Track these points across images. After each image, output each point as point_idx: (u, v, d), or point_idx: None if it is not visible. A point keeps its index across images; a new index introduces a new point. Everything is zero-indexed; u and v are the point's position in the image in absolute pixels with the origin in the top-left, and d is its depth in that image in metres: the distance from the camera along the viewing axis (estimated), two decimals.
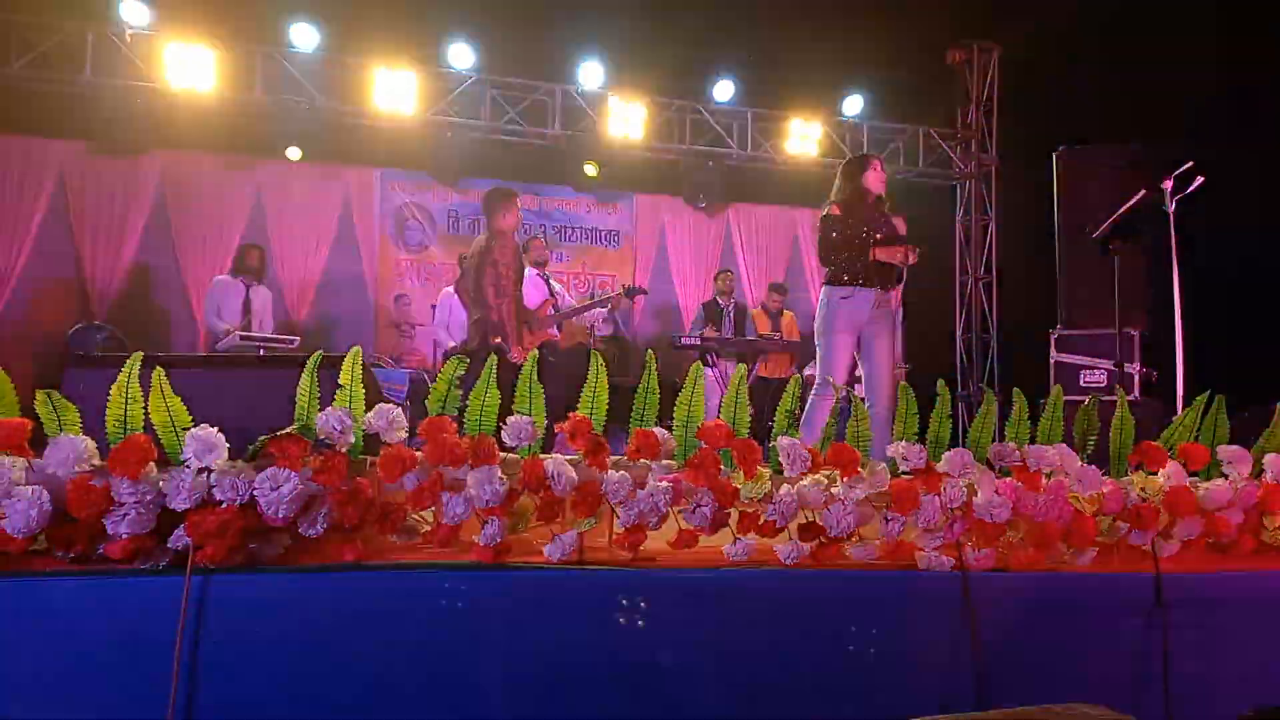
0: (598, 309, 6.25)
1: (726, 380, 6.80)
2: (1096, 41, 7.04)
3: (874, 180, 3.89)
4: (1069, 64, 7.30)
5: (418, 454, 1.94)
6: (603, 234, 8.13)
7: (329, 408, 1.90)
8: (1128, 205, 4.85)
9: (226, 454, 1.83)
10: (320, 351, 1.97)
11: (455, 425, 1.97)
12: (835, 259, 3.87)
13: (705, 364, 6.97)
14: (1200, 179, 4.41)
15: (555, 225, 8.00)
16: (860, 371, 3.92)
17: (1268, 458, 2.49)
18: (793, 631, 2.05)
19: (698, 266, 8.28)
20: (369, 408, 1.94)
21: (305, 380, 1.90)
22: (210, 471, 1.82)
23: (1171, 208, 4.27)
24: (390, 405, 1.93)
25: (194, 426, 1.85)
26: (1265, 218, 6.46)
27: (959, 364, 8.50)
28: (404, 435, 1.93)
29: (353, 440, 1.91)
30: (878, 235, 3.85)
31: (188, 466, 1.82)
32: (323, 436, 1.88)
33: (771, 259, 8.44)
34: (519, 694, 1.91)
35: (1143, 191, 4.39)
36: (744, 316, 7.12)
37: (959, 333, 8.52)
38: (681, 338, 6.61)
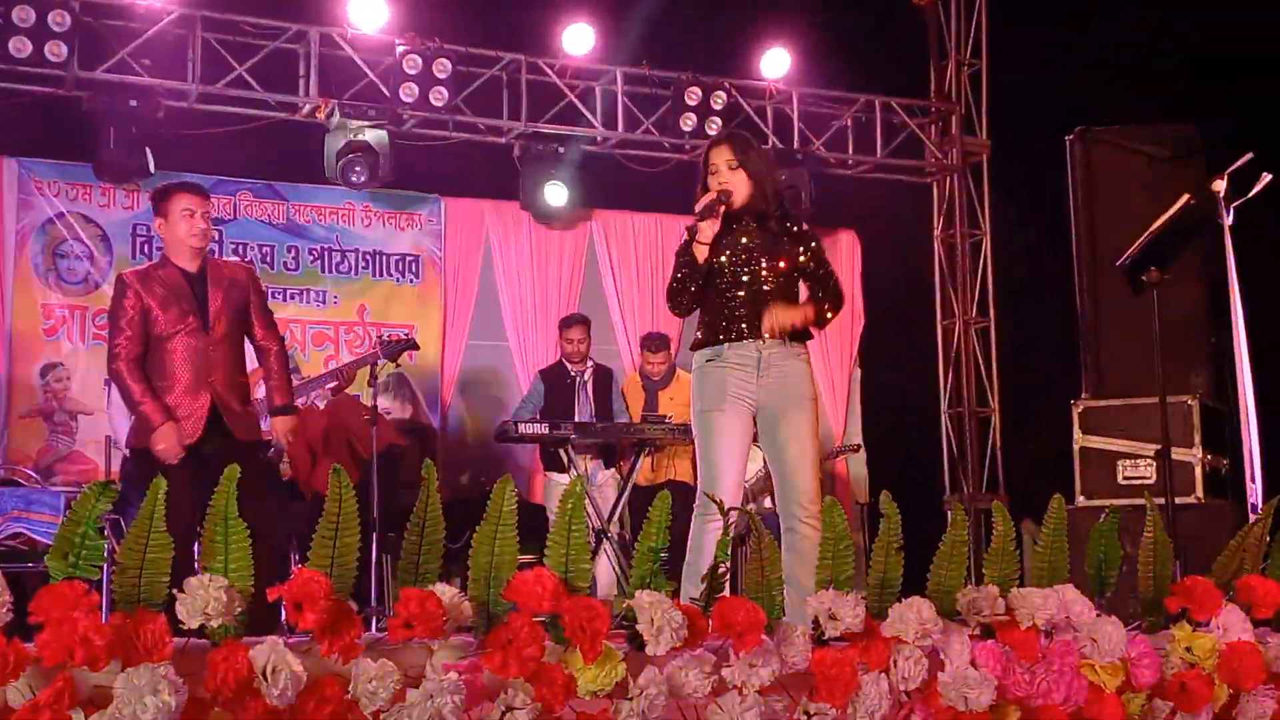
0: (327, 382, 6.05)
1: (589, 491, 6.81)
2: None
3: (722, 170, 3.89)
4: (1091, 7, 7.74)
5: (30, 648, 1.86)
6: (392, 260, 8.10)
7: None
8: (1165, 217, 5.11)
9: None
10: None
11: (96, 596, 1.91)
12: (681, 303, 3.90)
13: (552, 467, 7.00)
14: (1267, 177, 4.73)
15: (314, 245, 7.93)
16: (771, 471, 3.91)
17: None
18: None
19: (545, 308, 8.29)
20: None
21: None
22: None
23: (1228, 219, 4.56)
24: None
25: None
26: None
27: (945, 452, 8.72)
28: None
29: None
30: (759, 263, 3.85)
31: None
32: None
33: (660, 294, 8.54)
34: None
35: (1185, 197, 4.63)
36: (609, 388, 7.15)
37: (944, 405, 8.77)
38: (516, 424, 6.60)
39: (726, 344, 3.81)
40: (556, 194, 7.95)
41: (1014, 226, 8.67)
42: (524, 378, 8.06)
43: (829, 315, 3.93)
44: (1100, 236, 6.87)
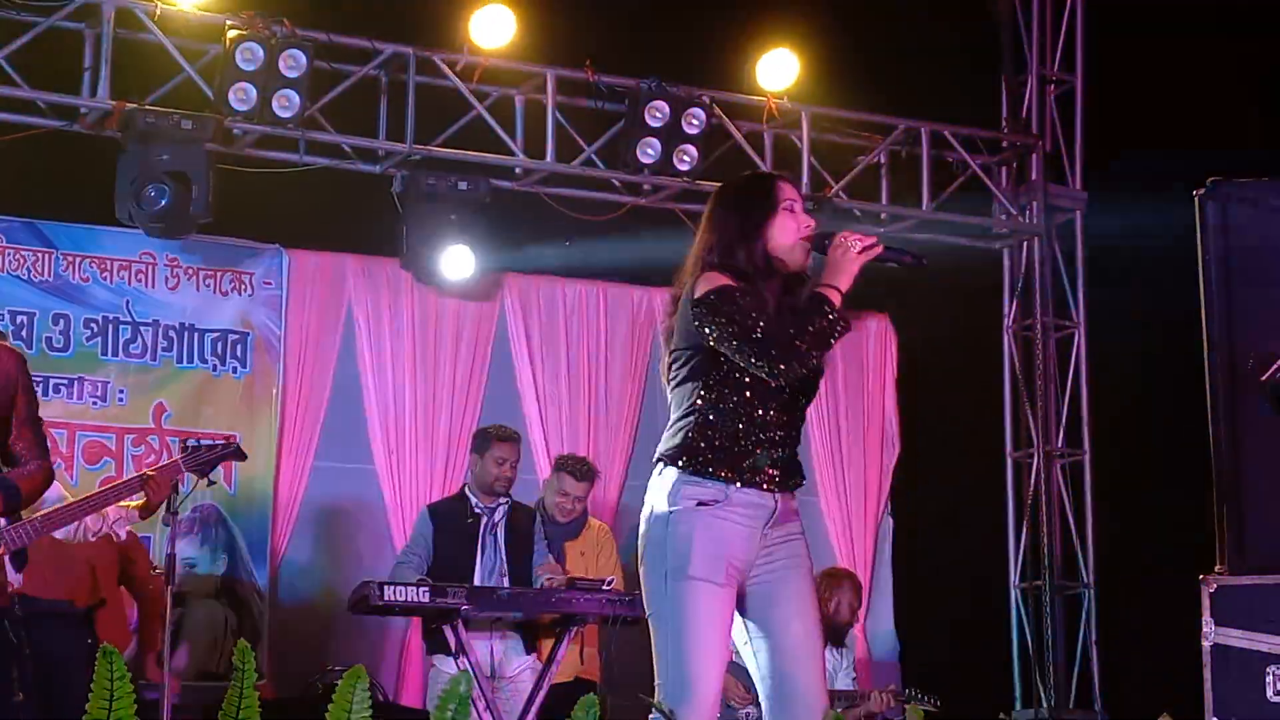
0: (86, 511, 5.89)
1: (489, 682, 6.67)
2: None
3: (790, 227, 3.90)
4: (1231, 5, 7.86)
5: None
6: (208, 339, 8.12)
7: None
8: None
9: None
10: None
11: None
12: (798, 367, 3.76)
13: (440, 649, 6.86)
14: None
15: (93, 315, 7.91)
16: (755, 666, 3.86)
17: None
18: None
19: (432, 414, 8.33)
20: None
21: None
22: None
23: None
24: None
25: None
26: None
27: (1014, 645, 8.70)
28: None
29: None
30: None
31: None
32: None
33: (603, 396, 8.55)
34: None
35: None
36: (529, 537, 7.14)
37: (1013, 576, 8.80)
38: (383, 587, 6.51)
39: (738, 483, 3.77)
40: (459, 260, 7.96)
41: (1120, 317, 8.77)
42: (398, 517, 8.03)
43: None
44: (1244, 336, 6.91)
